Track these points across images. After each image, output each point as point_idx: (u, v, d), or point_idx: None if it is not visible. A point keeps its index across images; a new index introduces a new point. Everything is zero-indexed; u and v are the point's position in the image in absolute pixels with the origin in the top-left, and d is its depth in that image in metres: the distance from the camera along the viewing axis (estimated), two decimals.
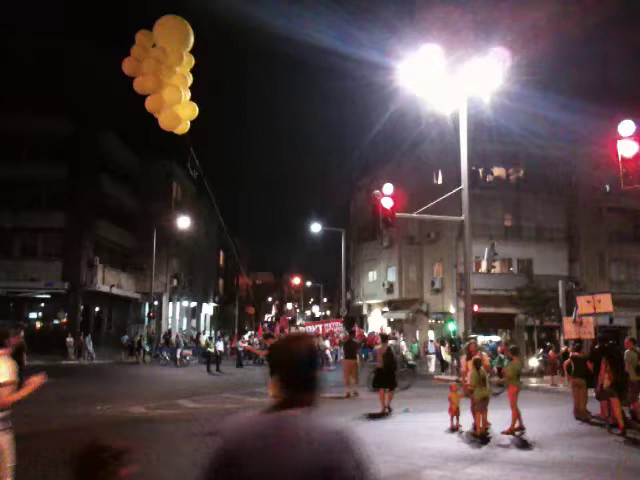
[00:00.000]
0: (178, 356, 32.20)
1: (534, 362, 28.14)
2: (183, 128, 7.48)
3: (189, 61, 7.31)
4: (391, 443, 6.11)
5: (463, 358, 13.13)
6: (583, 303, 18.10)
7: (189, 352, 33.95)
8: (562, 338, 20.60)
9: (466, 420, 12.12)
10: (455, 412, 12.41)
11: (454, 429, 12.16)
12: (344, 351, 19.70)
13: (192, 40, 7.11)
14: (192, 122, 7.65)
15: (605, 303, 17.73)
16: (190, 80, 7.41)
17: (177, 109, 7.29)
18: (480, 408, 11.70)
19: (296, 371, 2.23)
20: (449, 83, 15.69)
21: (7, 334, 5.28)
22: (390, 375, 14.72)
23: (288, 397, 2.20)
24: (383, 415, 13.96)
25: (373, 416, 13.67)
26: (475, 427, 11.76)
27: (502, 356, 21.44)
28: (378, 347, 16.33)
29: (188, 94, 7.41)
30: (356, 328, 41.05)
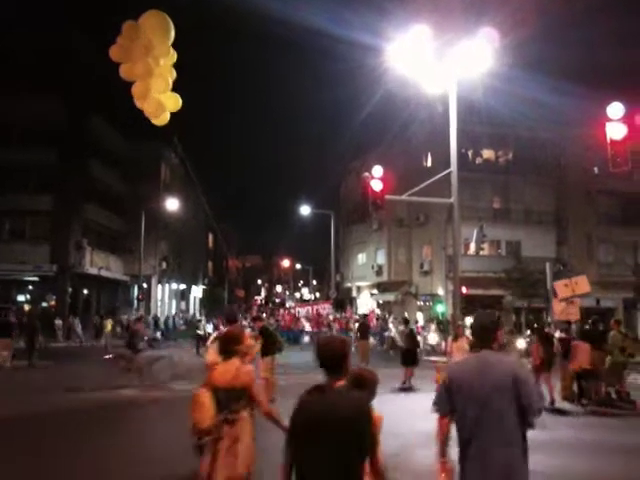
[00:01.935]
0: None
1: (522, 343, 28.38)
2: (164, 118, 7.60)
3: (173, 55, 7.49)
4: (385, 422, 6.24)
5: (450, 339, 13.26)
6: (561, 287, 18.14)
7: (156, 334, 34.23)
8: (549, 319, 20.75)
9: None
10: None
11: None
12: (359, 333, 22.11)
13: (173, 35, 7.34)
14: (184, 106, 7.79)
15: (582, 284, 17.77)
16: (174, 74, 7.58)
17: (162, 98, 7.43)
18: None
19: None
20: (439, 65, 15.63)
21: None
22: (413, 354, 16.28)
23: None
24: (404, 390, 15.37)
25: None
26: None
27: None
28: (401, 329, 19.33)
29: (171, 85, 7.60)
30: (350, 311, 41.29)
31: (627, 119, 10.69)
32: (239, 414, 4.59)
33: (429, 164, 38.17)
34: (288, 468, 3.39)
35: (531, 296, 31.95)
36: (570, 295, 17.90)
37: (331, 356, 3.50)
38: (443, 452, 3.99)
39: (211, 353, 7.57)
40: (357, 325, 24.39)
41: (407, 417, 11.23)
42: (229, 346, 4.79)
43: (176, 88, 7.71)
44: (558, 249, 38.09)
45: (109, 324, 34.36)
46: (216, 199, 59.72)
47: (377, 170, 16.31)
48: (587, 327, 15.95)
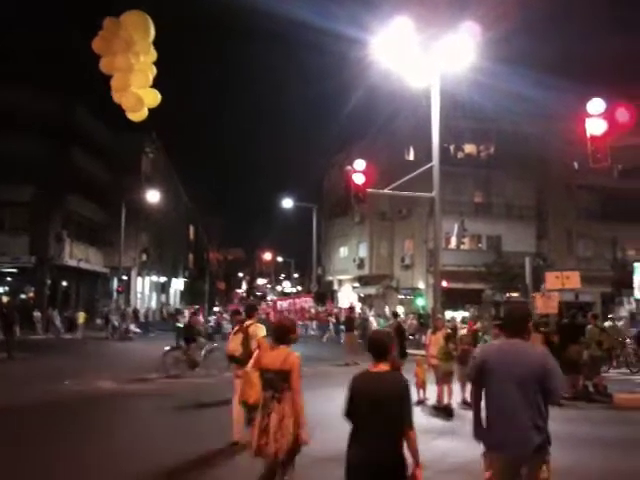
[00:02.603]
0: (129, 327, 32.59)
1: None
2: (142, 114, 7.57)
3: (153, 53, 7.50)
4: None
5: (428, 332, 13.31)
6: (551, 278, 18.39)
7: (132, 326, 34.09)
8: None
9: (432, 394, 12.27)
10: (421, 385, 12.60)
11: (420, 402, 12.33)
12: (345, 326, 23.23)
13: (154, 33, 7.42)
14: (168, 99, 7.81)
15: (573, 280, 18.02)
16: (154, 71, 7.57)
17: (142, 93, 7.42)
18: (445, 381, 11.89)
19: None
20: (422, 58, 15.61)
21: None
22: (401, 347, 15.98)
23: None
24: None
25: None
26: (439, 400, 11.93)
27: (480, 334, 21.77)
28: (390, 323, 19.46)
29: (151, 81, 7.62)
30: (331, 304, 41.31)
31: (607, 115, 10.76)
32: (285, 393, 5.21)
33: (412, 158, 38.24)
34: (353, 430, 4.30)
35: (511, 290, 32.20)
36: (559, 288, 18.12)
37: (378, 345, 4.41)
38: (478, 415, 4.59)
39: (233, 342, 8.96)
40: (344, 318, 24.73)
41: None
42: (284, 335, 5.46)
43: (160, 82, 7.71)
44: (538, 244, 38.42)
45: (82, 316, 34.13)
46: (198, 191, 59.37)
47: (359, 163, 16.29)
48: (565, 321, 16.12)
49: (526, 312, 4.86)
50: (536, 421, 4.30)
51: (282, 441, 5.11)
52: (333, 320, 35.03)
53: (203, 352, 17.05)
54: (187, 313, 32.79)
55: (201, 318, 20.97)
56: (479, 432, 4.51)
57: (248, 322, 9.15)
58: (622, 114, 10.73)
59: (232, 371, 9.35)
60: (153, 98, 7.59)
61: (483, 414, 4.51)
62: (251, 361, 6.25)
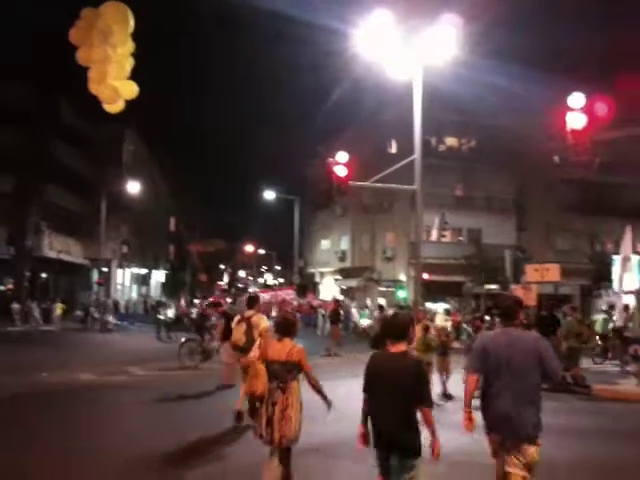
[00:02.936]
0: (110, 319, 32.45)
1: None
2: (119, 106, 7.51)
3: (131, 44, 7.42)
4: (338, 405, 6.29)
5: None
6: (531, 271, 18.57)
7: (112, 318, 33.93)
8: None
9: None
10: None
11: None
12: (330, 318, 23.84)
13: (133, 25, 7.33)
14: (149, 89, 7.75)
15: (553, 272, 18.20)
16: (132, 61, 7.50)
17: (118, 85, 7.35)
18: None
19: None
20: (404, 51, 15.59)
21: None
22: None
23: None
24: None
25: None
26: None
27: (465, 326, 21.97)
28: (376, 315, 21.32)
29: (129, 73, 7.55)
30: (311, 296, 41.34)
31: (587, 108, 10.84)
32: (289, 383, 5.53)
33: (394, 151, 38.27)
34: (365, 407, 4.80)
35: (491, 282, 32.44)
36: (539, 280, 18.30)
37: (394, 329, 4.75)
38: (469, 403, 4.98)
39: (236, 332, 9.64)
40: (329, 311, 24.94)
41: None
42: (288, 328, 5.83)
43: (141, 75, 7.64)
44: (518, 236, 38.72)
45: (59, 308, 33.84)
46: (179, 183, 58.92)
47: (342, 156, 16.26)
48: (543, 313, 16.31)
49: (516, 302, 5.24)
50: (533, 404, 4.74)
51: (285, 429, 5.42)
52: (323, 312, 35.05)
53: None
54: (174, 306, 32.73)
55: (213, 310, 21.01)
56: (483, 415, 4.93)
57: (250, 313, 9.73)
58: (601, 107, 10.82)
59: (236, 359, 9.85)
60: (130, 90, 7.52)
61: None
62: (252, 353, 7.27)
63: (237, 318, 10.26)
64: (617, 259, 16.01)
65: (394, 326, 4.80)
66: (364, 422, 4.84)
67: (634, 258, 14.97)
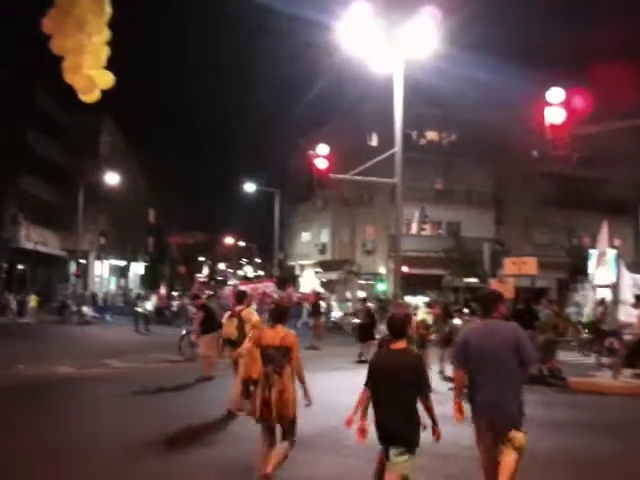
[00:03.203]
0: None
1: (458, 321, 29.01)
2: (94, 95, 7.38)
3: (106, 32, 7.28)
4: (318, 397, 6.33)
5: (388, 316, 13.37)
6: (509, 264, 18.74)
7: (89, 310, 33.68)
8: None
9: None
10: None
11: None
12: (312, 311, 24.22)
13: (109, 12, 7.16)
14: (128, 81, 7.65)
15: (530, 266, 18.37)
16: (107, 50, 7.36)
17: (94, 75, 7.22)
18: None
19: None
20: (385, 44, 15.57)
21: None
22: (369, 329, 17.11)
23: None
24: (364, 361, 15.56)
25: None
26: None
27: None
28: (359, 308, 21.29)
29: (104, 63, 7.40)
30: (291, 289, 41.26)
31: (566, 103, 10.91)
32: (285, 367, 5.79)
33: (375, 144, 38.30)
34: (366, 399, 5.07)
35: (470, 275, 32.67)
36: (516, 273, 18.46)
37: (397, 325, 5.05)
38: (459, 394, 5.31)
39: (228, 326, 10.04)
40: (311, 304, 25.08)
41: (345, 393, 11.36)
42: (281, 315, 6.12)
43: (120, 64, 7.52)
44: (496, 230, 39.02)
45: (34, 300, 33.48)
46: (158, 175, 58.41)
47: (322, 148, 16.21)
48: (520, 306, 16.45)
49: (496, 295, 5.54)
50: (514, 391, 5.05)
51: (283, 411, 5.71)
52: (307, 305, 35.00)
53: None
54: (154, 298, 32.49)
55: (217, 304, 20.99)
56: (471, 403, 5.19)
57: (239, 307, 10.10)
58: (579, 101, 10.90)
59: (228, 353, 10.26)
60: (106, 79, 7.38)
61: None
62: (243, 346, 7.77)
63: (228, 313, 10.55)
64: (594, 253, 16.19)
65: (392, 325, 5.07)
66: (363, 416, 5.08)
67: (610, 252, 15.13)
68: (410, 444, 4.78)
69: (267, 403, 5.73)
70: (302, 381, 5.96)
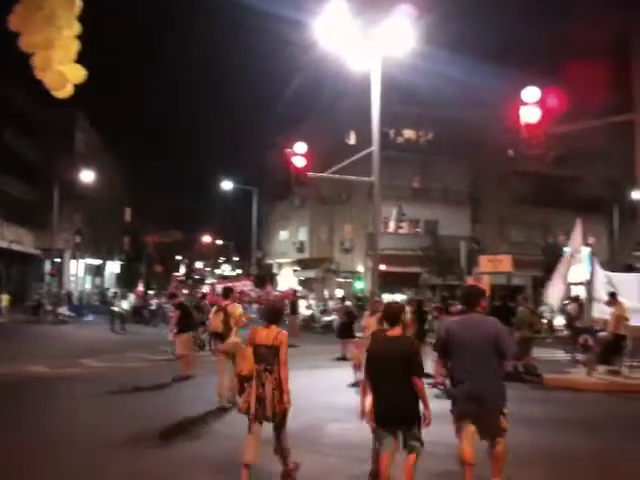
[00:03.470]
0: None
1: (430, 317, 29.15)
2: (67, 91, 7.25)
3: (76, 26, 7.14)
4: (299, 396, 6.34)
5: (366, 314, 13.36)
6: (485, 262, 18.89)
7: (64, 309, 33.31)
8: None
9: None
10: (358, 367, 12.74)
11: (357, 383, 12.47)
12: (289, 309, 23.37)
13: (80, 5, 7.04)
14: (102, 77, 7.53)
15: (505, 263, 18.54)
16: (78, 44, 7.22)
17: (64, 70, 7.08)
18: None
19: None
20: (362, 41, 15.59)
21: None
22: (348, 327, 17.17)
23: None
24: (343, 359, 16.05)
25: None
26: None
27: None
28: (339, 306, 21.90)
29: (75, 57, 7.25)
30: (269, 287, 41.16)
31: (541, 102, 11.02)
32: (276, 366, 6.03)
33: (353, 142, 38.36)
34: (366, 383, 5.64)
35: (447, 273, 32.88)
36: (492, 271, 18.60)
37: (394, 314, 5.61)
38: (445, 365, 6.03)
39: (215, 321, 10.52)
40: (288, 302, 25.16)
41: (326, 392, 11.36)
42: (275, 316, 6.39)
43: (95, 61, 7.40)
44: (473, 228, 39.33)
45: (6, 299, 33.01)
46: (135, 173, 57.93)
47: (300, 146, 16.20)
48: (496, 303, 16.59)
49: (479, 291, 6.00)
50: (497, 380, 5.49)
51: (277, 406, 5.97)
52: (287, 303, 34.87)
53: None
54: (132, 297, 32.16)
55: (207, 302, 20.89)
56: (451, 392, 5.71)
57: (226, 303, 10.67)
58: (553, 100, 11.02)
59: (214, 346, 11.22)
60: (78, 74, 7.24)
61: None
62: (229, 339, 9.58)
63: (215, 308, 11.11)
64: (568, 251, 16.36)
65: (390, 314, 5.66)
66: (366, 401, 5.63)
67: (584, 250, 15.30)
68: (417, 419, 5.30)
69: (260, 400, 5.97)
70: (282, 379, 6.04)
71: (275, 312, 6.53)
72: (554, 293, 15.31)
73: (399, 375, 5.29)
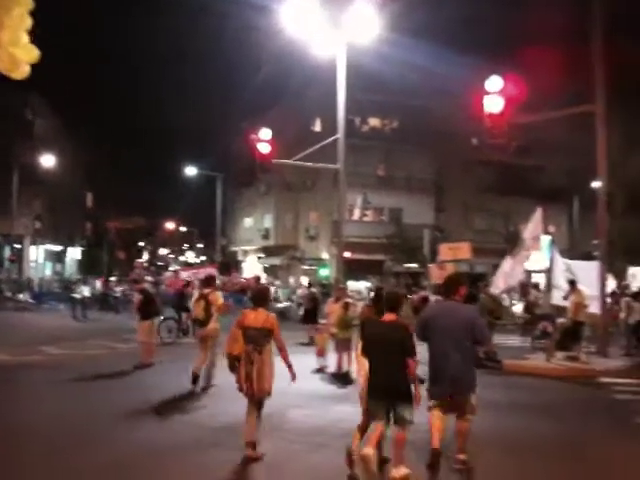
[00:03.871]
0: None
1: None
2: (23, 71, 7.04)
3: (28, 3, 6.91)
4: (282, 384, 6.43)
5: (330, 300, 13.41)
6: (445, 250, 19.11)
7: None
8: (427, 283, 21.68)
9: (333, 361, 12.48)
10: (321, 353, 12.83)
11: (320, 369, 12.55)
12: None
13: None
14: (64, 58, 7.30)
15: (464, 250, 18.78)
16: (29, 23, 6.99)
17: (15, 51, 6.85)
18: (344, 349, 12.06)
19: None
20: (328, 28, 15.54)
21: None
22: (313, 313, 17.49)
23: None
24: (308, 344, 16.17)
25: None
26: (339, 367, 12.15)
27: None
28: (301, 292, 22.69)
29: (27, 37, 7.00)
30: (235, 274, 40.98)
31: (504, 91, 11.14)
32: (265, 347, 6.51)
33: (319, 129, 38.27)
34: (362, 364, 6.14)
35: (410, 261, 33.17)
36: (451, 259, 18.81)
37: (392, 301, 6.06)
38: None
39: (197, 308, 10.88)
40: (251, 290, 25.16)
41: (289, 377, 11.39)
42: (263, 300, 6.89)
43: (56, 43, 7.20)
44: (437, 216, 39.70)
45: None
46: (97, 157, 56.83)
47: (265, 133, 16.14)
48: None
49: (457, 279, 6.49)
50: (470, 363, 6.02)
51: (262, 384, 6.45)
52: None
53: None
54: (98, 283, 31.64)
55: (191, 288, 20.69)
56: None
57: (207, 291, 10.90)
58: (512, 88, 11.16)
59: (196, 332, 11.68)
60: (31, 54, 7.02)
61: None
62: (209, 325, 10.36)
63: (196, 296, 11.61)
64: (526, 239, 16.62)
65: (388, 300, 6.13)
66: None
67: (545, 238, 15.58)
68: (409, 396, 5.71)
69: (248, 377, 6.44)
70: (286, 358, 6.65)
71: (263, 296, 7.03)
72: (498, 283, 15.58)
73: (394, 356, 5.70)
